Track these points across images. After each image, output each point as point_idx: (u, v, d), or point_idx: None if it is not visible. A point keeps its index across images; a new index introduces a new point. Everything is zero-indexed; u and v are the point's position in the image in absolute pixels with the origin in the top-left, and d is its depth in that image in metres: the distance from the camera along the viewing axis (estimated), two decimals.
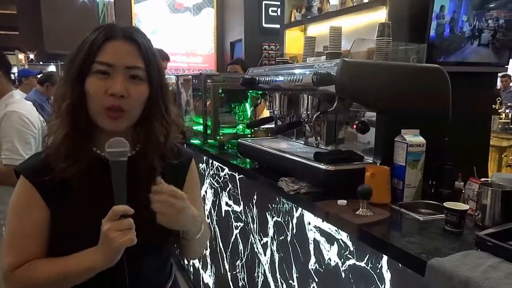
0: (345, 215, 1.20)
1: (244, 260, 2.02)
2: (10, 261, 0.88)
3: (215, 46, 7.35)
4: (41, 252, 0.90)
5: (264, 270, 1.82)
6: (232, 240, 2.15)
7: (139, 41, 0.90)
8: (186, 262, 3.01)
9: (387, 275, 1.10)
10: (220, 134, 2.45)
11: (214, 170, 2.39)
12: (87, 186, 0.88)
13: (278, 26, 4.00)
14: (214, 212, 2.41)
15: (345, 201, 1.29)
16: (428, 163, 1.35)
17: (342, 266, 1.28)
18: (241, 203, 2.02)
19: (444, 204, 1.09)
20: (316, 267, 1.43)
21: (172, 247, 1.03)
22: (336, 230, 1.30)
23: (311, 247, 1.45)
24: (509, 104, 5.04)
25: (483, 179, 1.22)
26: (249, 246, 1.96)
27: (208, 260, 2.54)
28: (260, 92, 2.10)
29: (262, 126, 2.29)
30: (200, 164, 2.59)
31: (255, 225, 1.89)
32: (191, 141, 2.66)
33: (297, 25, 3.55)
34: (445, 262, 0.86)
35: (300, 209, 1.50)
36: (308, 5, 3.42)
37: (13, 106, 1.86)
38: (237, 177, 2.05)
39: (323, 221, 1.36)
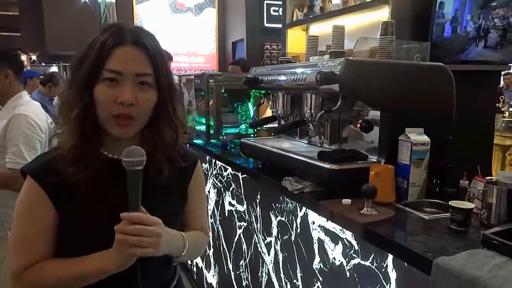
0: (350, 214, 1.20)
1: (247, 259, 2.02)
2: (19, 262, 0.88)
3: (217, 46, 7.35)
4: (50, 252, 0.90)
5: (268, 270, 1.82)
6: (235, 239, 2.15)
7: (148, 45, 0.88)
8: (189, 262, 3.01)
9: (393, 274, 1.10)
10: (223, 134, 2.45)
11: (217, 170, 2.39)
12: (95, 187, 0.88)
13: (280, 25, 3.99)
14: (218, 212, 2.41)
15: (350, 200, 1.29)
16: (432, 162, 1.35)
17: (347, 266, 1.28)
18: (245, 202, 2.02)
19: (449, 203, 1.09)
20: (320, 266, 1.42)
21: None
22: (340, 229, 1.30)
23: (316, 246, 1.44)
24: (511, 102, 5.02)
25: (488, 178, 1.21)
26: (252, 246, 1.96)
27: (212, 260, 2.54)
28: (263, 92, 2.10)
29: (265, 126, 2.28)
30: (203, 164, 2.59)
31: (258, 225, 1.89)
32: (194, 141, 2.66)
33: (299, 25, 3.55)
34: (451, 261, 0.86)
35: (304, 208, 1.50)
36: (310, 4, 3.41)
37: (21, 109, 1.83)
38: (240, 177, 2.05)
39: (327, 221, 1.35)
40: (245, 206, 2.02)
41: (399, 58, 1.53)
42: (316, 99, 1.55)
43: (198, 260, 2.80)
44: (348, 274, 1.28)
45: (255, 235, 1.93)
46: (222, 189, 2.31)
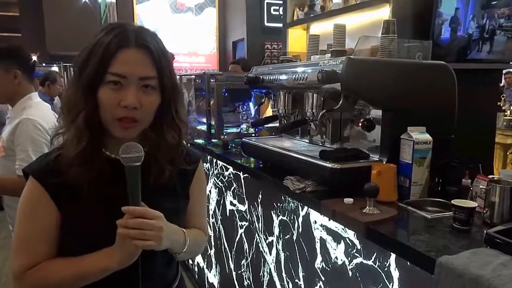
0: (352, 213, 1.20)
1: (249, 259, 2.02)
2: (21, 262, 0.88)
3: (217, 46, 7.34)
4: (52, 252, 0.90)
5: (270, 269, 1.82)
6: (237, 239, 2.15)
7: (152, 47, 0.87)
8: (190, 261, 3.01)
9: (395, 274, 1.10)
10: (224, 133, 2.45)
11: (218, 170, 2.39)
12: (98, 187, 0.88)
13: (280, 25, 3.99)
14: (219, 211, 2.41)
15: (352, 200, 1.28)
16: (434, 161, 1.35)
17: (349, 265, 1.28)
18: (246, 202, 2.02)
19: (452, 201, 1.09)
20: (322, 266, 1.42)
21: None
22: (342, 229, 1.30)
23: (318, 245, 1.44)
24: None
25: (490, 176, 1.21)
26: (254, 245, 1.96)
27: (213, 260, 2.54)
28: (264, 91, 2.09)
29: (266, 125, 2.28)
30: (204, 164, 2.59)
31: (260, 224, 1.88)
32: (195, 140, 2.66)
33: (300, 24, 3.54)
34: (454, 260, 0.85)
35: (306, 207, 1.50)
36: (310, 3, 3.41)
37: (29, 112, 1.78)
38: (242, 176, 2.05)
39: (329, 220, 1.35)
40: (246, 205, 2.02)
41: (400, 56, 1.52)
42: (317, 98, 1.55)
43: (200, 259, 2.80)
44: (350, 273, 1.27)
45: (256, 235, 1.92)
46: (224, 189, 2.31)
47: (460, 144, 1.49)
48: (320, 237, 1.42)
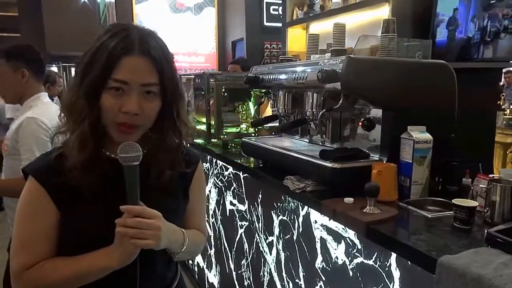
0: (352, 213, 1.19)
1: (249, 259, 2.02)
2: (20, 262, 0.88)
3: (217, 46, 7.34)
4: (51, 252, 0.90)
5: (270, 269, 1.81)
6: (237, 239, 2.14)
7: (156, 55, 0.87)
8: (190, 261, 3.01)
9: (396, 273, 1.09)
10: (224, 133, 2.44)
11: (218, 170, 2.39)
12: (98, 187, 0.88)
13: (279, 24, 3.99)
14: (219, 211, 2.40)
15: (352, 199, 1.28)
16: (435, 160, 1.34)
17: (349, 265, 1.27)
18: (246, 202, 2.02)
19: (452, 201, 1.08)
20: (323, 265, 1.42)
21: None
22: (343, 228, 1.29)
23: (318, 245, 1.44)
24: None
25: (491, 175, 1.21)
26: (254, 245, 1.95)
27: (213, 260, 2.54)
28: (263, 91, 2.09)
29: (266, 125, 2.28)
30: (204, 164, 2.59)
31: (260, 224, 1.88)
32: (195, 140, 2.66)
33: (299, 23, 3.55)
34: (455, 259, 0.85)
35: (306, 207, 1.50)
36: (310, 2, 3.40)
37: (34, 111, 1.77)
38: (241, 176, 2.04)
39: (329, 219, 1.35)
40: (246, 205, 2.02)
41: (400, 56, 1.52)
42: (317, 98, 1.54)
43: (200, 259, 2.80)
44: (351, 273, 1.27)
45: (256, 235, 1.92)
46: (223, 189, 2.31)
47: (460, 143, 1.48)
48: (321, 237, 1.42)
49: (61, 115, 0.92)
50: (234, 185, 2.15)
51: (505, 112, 4.47)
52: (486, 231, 0.95)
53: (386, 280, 1.13)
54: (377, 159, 1.42)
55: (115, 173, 0.88)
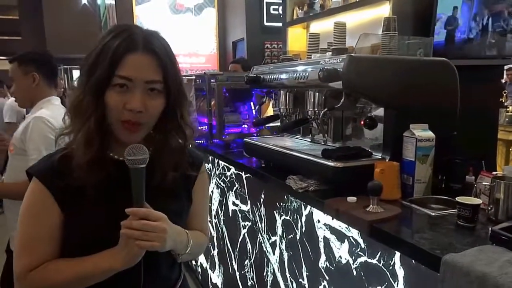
0: (356, 212, 1.19)
1: (252, 259, 2.01)
2: (24, 263, 0.88)
3: (217, 46, 7.33)
4: (55, 253, 0.90)
5: (273, 269, 1.81)
6: (240, 239, 2.14)
7: (159, 52, 0.88)
8: (194, 262, 3.00)
9: (400, 272, 1.09)
10: (226, 133, 2.44)
11: (220, 170, 2.38)
12: (102, 189, 0.88)
13: (280, 24, 3.98)
14: (221, 212, 2.40)
15: (355, 198, 1.27)
16: (438, 158, 1.34)
17: (353, 264, 1.27)
18: (249, 202, 2.01)
19: (456, 198, 1.08)
20: (326, 265, 1.41)
21: None
22: (346, 228, 1.29)
23: (321, 245, 1.43)
24: None
25: (495, 173, 1.20)
26: (257, 245, 1.95)
27: (216, 260, 2.53)
28: (265, 90, 2.09)
29: (267, 125, 2.27)
30: (206, 164, 2.58)
31: (263, 224, 1.88)
32: (196, 141, 2.65)
33: (300, 23, 3.54)
34: (460, 257, 0.85)
35: (309, 207, 1.49)
36: (310, 2, 3.40)
37: (41, 112, 1.77)
38: (244, 176, 2.04)
39: (333, 219, 1.35)
40: (249, 205, 2.01)
41: (401, 54, 1.52)
42: (319, 97, 1.54)
43: (203, 260, 2.79)
44: (354, 272, 1.27)
45: (259, 235, 1.92)
46: (226, 189, 2.31)
47: (463, 141, 1.48)
48: (324, 236, 1.42)
49: (64, 117, 0.92)
50: (237, 185, 2.14)
51: (508, 109, 4.46)
52: (490, 228, 0.94)
53: (390, 279, 1.12)
54: (380, 157, 1.42)
55: (119, 175, 0.88)
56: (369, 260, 1.20)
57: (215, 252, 2.55)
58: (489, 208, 1.10)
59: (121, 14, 6.66)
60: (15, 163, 1.75)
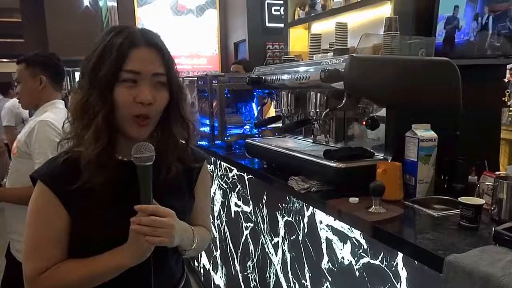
0: (358, 212, 1.19)
1: (255, 260, 2.01)
2: (33, 267, 0.89)
3: (219, 47, 7.34)
4: (64, 255, 0.91)
5: (276, 271, 1.81)
6: (242, 240, 2.14)
7: (161, 46, 0.91)
8: (196, 263, 3.00)
9: (403, 273, 1.09)
10: (227, 134, 2.44)
11: (222, 171, 2.38)
12: (109, 191, 0.89)
13: (281, 25, 4.00)
14: (224, 213, 2.40)
15: (357, 199, 1.27)
16: (440, 158, 1.33)
17: (356, 265, 1.27)
18: (251, 203, 2.01)
19: (458, 199, 1.07)
20: (329, 266, 1.41)
21: None
22: (349, 228, 1.29)
23: (324, 246, 1.43)
24: None
25: (497, 173, 1.20)
26: (260, 247, 1.95)
27: (219, 262, 2.53)
28: (266, 91, 2.09)
29: (269, 126, 2.27)
30: (208, 166, 2.58)
31: (265, 225, 1.88)
32: (198, 142, 2.66)
33: (301, 23, 3.54)
34: (463, 258, 0.84)
35: (311, 208, 1.49)
36: (311, 2, 3.40)
37: (45, 115, 1.76)
38: (246, 178, 2.04)
39: (335, 220, 1.34)
40: (251, 206, 2.01)
41: (403, 54, 1.51)
42: (320, 98, 1.54)
43: (206, 261, 2.79)
44: (357, 273, 1.26)
45: (262, 236, 1.92)
46: (228, 190, 2.31)
47: (465, 140, 1.47)
48: (326, 237, 1.41)
49: (65, 120, 0.92)
50: (239, 186, 2.14)
51: (510, 109, 4.43)
52: (493, 229, 0.94)
53: (393, 280, 1.12)
54: (382, 158, 1.41)
55: (124, 175, 0.89)
56: (372, 261, 1.20)
57: (217, 254, 2.55)
58: (492, 208, 1.10)
59: (123, 16, 6.68)
60: (19, 166, 1.74)
